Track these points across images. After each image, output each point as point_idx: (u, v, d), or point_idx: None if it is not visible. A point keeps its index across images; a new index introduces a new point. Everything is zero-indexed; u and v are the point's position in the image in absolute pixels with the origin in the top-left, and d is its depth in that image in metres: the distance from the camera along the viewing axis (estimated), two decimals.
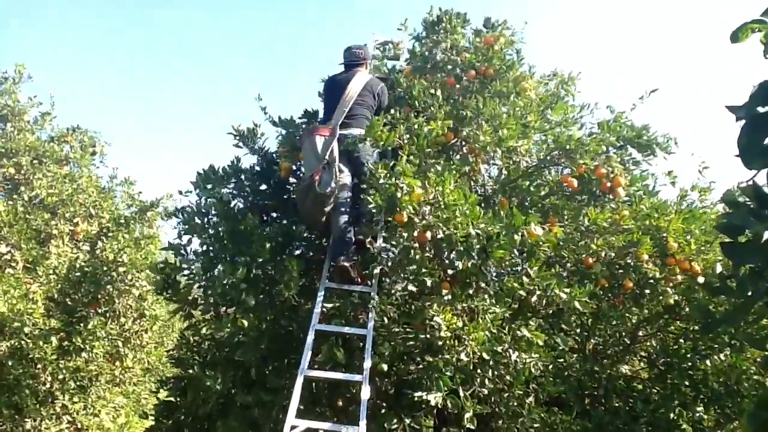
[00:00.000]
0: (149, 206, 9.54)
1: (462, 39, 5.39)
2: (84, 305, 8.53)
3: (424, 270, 4.15)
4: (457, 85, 5.13)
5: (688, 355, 4.98)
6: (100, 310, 8.63)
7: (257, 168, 5.48)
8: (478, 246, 3.93)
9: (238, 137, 5.46)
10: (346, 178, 4.72)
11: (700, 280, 4.62)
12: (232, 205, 5.19)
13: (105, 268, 8.38)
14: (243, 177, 5.40)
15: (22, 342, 7.42)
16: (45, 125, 9.50)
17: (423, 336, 4.13)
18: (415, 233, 4.04)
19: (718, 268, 4.68)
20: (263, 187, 5.42)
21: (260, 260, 4.28)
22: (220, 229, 4.54)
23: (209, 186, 5.10)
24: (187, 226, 4.68)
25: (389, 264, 4.55)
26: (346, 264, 4.43)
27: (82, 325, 8.35)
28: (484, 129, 4.60)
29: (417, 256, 4.18)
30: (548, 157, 5.31)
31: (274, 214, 5.35)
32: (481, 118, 4.71)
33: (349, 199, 4.70)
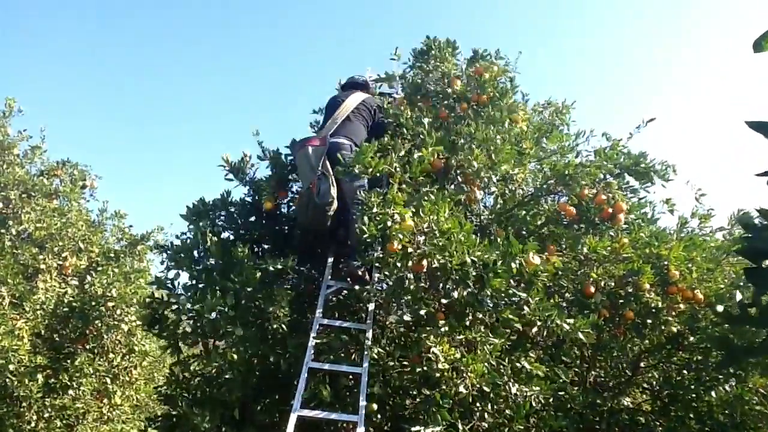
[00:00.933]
0: (140, 239, 9.38)
1: (453, 68, 5.33)
2: (72, 341, 8.31)
3: (418, 300, 4.02)
4: (451, 115, 5.06)
5: (692, 387, 4.83)
6: (88, 346, 8.41)
7: (248, 199, 5.37)
8: (474, 274, 3.81)
9: (228, 169, 5.34)
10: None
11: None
12: (222, 237, 5.09)
13: (93, 303, 8.19)
14: (233, 209, 5.30)
15: (7, 380, 7.18)
16: (35, 159, 9.37)
17: (420, 369, 3.97)
18: (410, 263, 3.92)
19: (721, 296, 4.61)
20: (253, 218, 5.31)
21: (249, 290, 4.14)
22: (209, 261, 4.40)
23: (199, 219, 4.99)
24: (173, 261, 4.54)
25: (383, 295, 4.42)
26: (358, 272, 4.47)
27: (69, 361, 8.13)
28: (475, 153, 4.50)
29: (411, 286, 4.06)
30: (545, 186, 5.23)
31: (265, 246, 5.22)
32: (473, 143, 4.61)
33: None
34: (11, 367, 7.16)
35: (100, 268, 8.75)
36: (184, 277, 4.66)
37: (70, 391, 7.97)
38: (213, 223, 5.21)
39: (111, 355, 8.64)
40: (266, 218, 5.26)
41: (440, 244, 3.85)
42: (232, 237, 5.15)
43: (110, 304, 8.15)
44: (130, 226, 9.78)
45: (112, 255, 9.00)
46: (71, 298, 8.27)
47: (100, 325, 8.28)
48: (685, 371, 5.03)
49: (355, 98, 5.13)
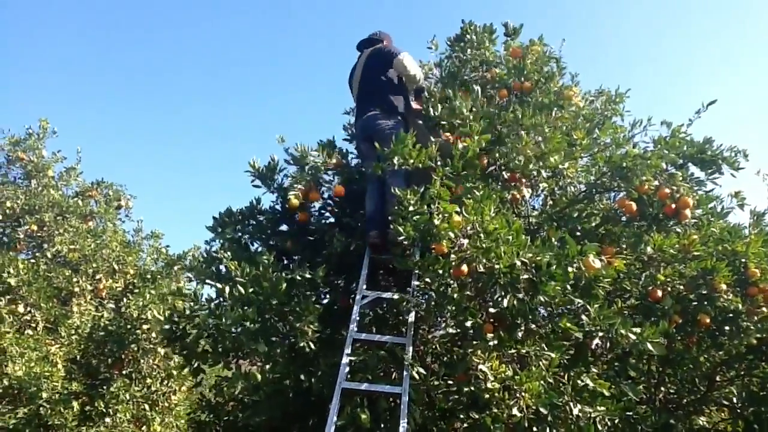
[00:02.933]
0: (176, 259, 9.15)
1: (491, 54, 4.89)
2: (108, 366, 8.09)
3: (463, 310, 3.55)
4: (492, 104, 4.61)
5: None
6: (124, 372, 8.18)
7: (277, 207, 5.01)
8: (525, 279, 3.33)
9: (255, 175, 4.97)
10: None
11: None
12: (250, 247, 4.75)
13: (129, 327, 7.95)
14: (262, 218, 4.95)
15: (41, 408, 6.96)
16: (71, 181, 9.27)
17: (467, 389, 3.50)
18: (450, 268, 3.48)
19: None
20: (283, 227, 4.93)
21: (275, 302, 3.74)
22: (234, 272, 4.02)
23: (226, 229, 4.65)
24: (196, 273, 4.20)
25: (424, 307, 3.96)
26: (378, 240, 4.24)
27: (105, 387, 7.91)
28: (525, 140, 4.02)
29: (455, 295, 3.60)
30: (599, 182, 4.72)
31: (296, 257, 4.83)
32: (520, 129, 4.13)
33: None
34: (44, 394, 6.93)
35: (136, 290, 8.55)
36: (212, 291, 4.33)
37: (107, 419, 7.73)
38: (242, 232, 4.88)
39: (148, 381, 8.40)
40: (298, 227, 4.87)
41: (485, 245, 3.39)
42: (260, 248, 4.79)
43: (146, 326, 7.89)
44: (167, 246, 9.59)
45: (149, 276, 8.80)
46: (107, 322, 8.07)
47: (136, 349, 8.05)
48: None
49: (366, 55, 4.92)
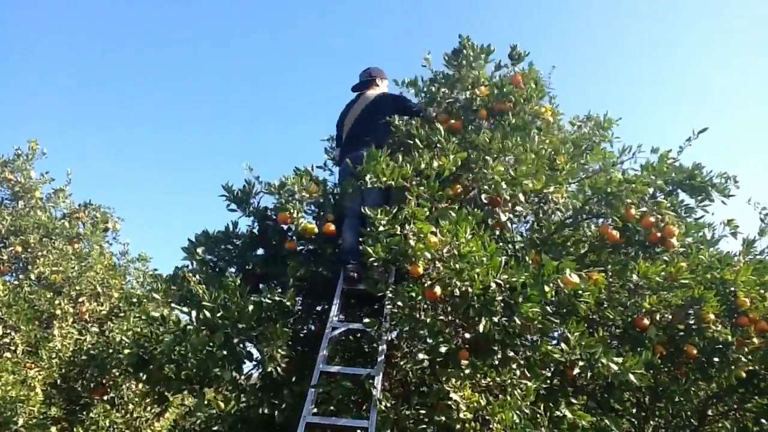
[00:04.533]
0: (164, 282, 8.97)
1: (482, 75, 4.81)
2: (89, 391, 7.88)
3: (436, 335, 3.40)
4: (470, 127, 4.51)
5: None
6: (106, 397, 7.96)
7: (254, 231, 4.87)
8: (500, 300, 3.19)
9: (230, 199, 4.84)
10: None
11: None
12: (225, 271, 4.61)
13: (111, 351, 7.75)
14: (238, 242, 4.81)
15: None
16: (59, 202, 9.16)
17: (438, 418, 3.33)
18: (423, 291, 3.34)
19: None
20: (260, 251, 4.79)
21: (242, 327, 3.58)
22: (201, 295, 3.87)
23: (197, 251, 4.52)
24: (164, 296, 4.07)
25: (396, 333, 3.80)
26: (354, 273, 4.12)
27: (85, 413, 7.69)
28: (491, 166, 3.89)
29: (428, 319, 3.45)
30: (586, 207, 4.59)
31: (273, 283, 4.68)
32: (489, 153, 4.01)
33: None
34: (20, 420, 6.73)
35: (121, 314, 8.38)
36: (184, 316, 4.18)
37: None
38: (218, 256, 4.75)
39: (130, 406, 8.17)
40: (273, 253, 4.72)
41: (458, 267, 3.25)
42: (235, 272, 4.65)
43: (127, 351, 7.69)
44: (155, 269, 9.43)
45: (134, 300, 8.62)
46: (89, 346, 7.88)
47: (118, 374, 7.85)
48: (764, 420, 4.23)
49: (365, 99, 4.90)
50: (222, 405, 3.52)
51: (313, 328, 4.60)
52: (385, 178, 3.59)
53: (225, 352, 3.59)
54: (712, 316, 3.88)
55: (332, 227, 4.37)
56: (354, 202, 4.33)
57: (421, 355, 3.52)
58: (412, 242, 3.35)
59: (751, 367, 4.03)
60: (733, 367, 4.03)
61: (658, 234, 4.22)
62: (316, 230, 4.23)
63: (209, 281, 4.05)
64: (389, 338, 3.85)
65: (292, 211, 4.23)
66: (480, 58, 4.88)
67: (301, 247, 4.75)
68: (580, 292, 3.40)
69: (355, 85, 5.18)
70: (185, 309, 3.87)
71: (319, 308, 4.81)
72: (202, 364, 3.54)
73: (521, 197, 4.09)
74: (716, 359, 4.06)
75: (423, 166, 3.72)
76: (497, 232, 4.47)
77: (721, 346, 4.00)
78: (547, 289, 3.24)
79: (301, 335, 4.53)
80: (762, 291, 3.98)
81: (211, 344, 3.55)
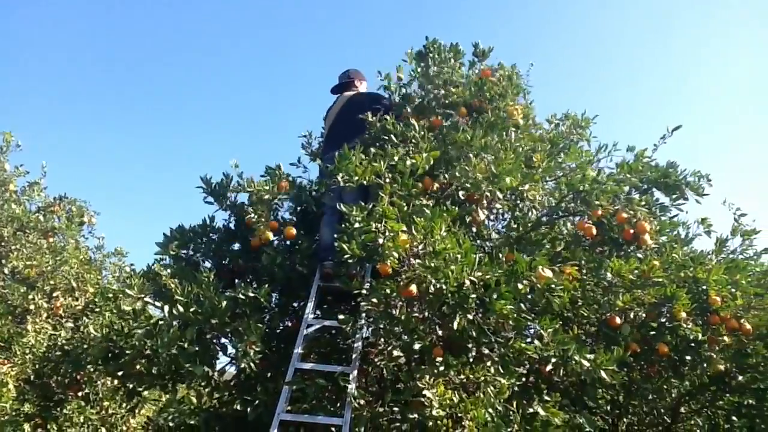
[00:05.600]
0: (140, 277, 8.88)
1: (456, 74, 4.79)
2: (63, 387, 7.78)
3: (411, 332, 3.39)
4: (446, 123, 4.50)
5: None
6: (80, 393, 7.87)
7: (231, 226, 4.83)
8: (474, 297, 3.18)
9: (208, 192, 4.79)
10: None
11: None
12: (201, 266, 4.56)
13: (86, 346, 7.66)
14: (215, 236, 4.76)
15: None
16: (34, 196, 9.01)
17: (412, 416, 3.32)
18: (398, 288, 3.33)
19: None
20: (236, 246, 4.75)
21: (215, 322, 3.55)
22: (174, 290, 3.83)
23: (170, 246, 4.48)
24: (137, 291, 4.02)
25: (372, 330, 3.79)
26: (331, 270, 4.15)
27: (59, 409, 7.59)
28: (473, 163, 3.89)
29: (403, 316, 3.44)
30: (562, 205, 4.61)
31: (249, 278, 4.65)
32: (471, 151, 4.00)
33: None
34: None
35: (96, 309, 8.28)
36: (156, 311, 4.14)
37: None
38: (194, 251, 4.70)
39: (105, 403, 8.08)
40: (249, 247, 4.69)
41: (433, 265, 3.24)
42: (211, 266, 4.61)
43: (96, 345, 7.60)
44: (132, 264, 9.31)
45: (110, 295, 8.51)
46: (64, 341, 7.77)
47: (92, 370, 7.75)
48: (735, 418, 4.28)
49: (343, 99, 5.02)
50: (194, 401, 3.48)
51: (289, 324, 4.56)
52: (357, 177, 3.57)
53: (197, 348, 3.56)
54: (684, 314, 3.91)
55: (293, 231, 4.41)
56: (332, 199, 4.34)
57: (396, 353, 3.51)
58: (381, 240, 3.33)
59: (722, 365, 4.07)
60: (705, 364, 4.07)
61: (631, 231, 4.24)
62: (271, 237, 4.29)
63: (184, 276, 4.01)
64: (365, 335, 3.85)
65: (252, 215, 4.29)
66: (449, 58, 4.87)
67: (276, 242, 4.75)
68: (553, 286, 3.41)
69: (333, 87, 5.28)
70: (158, 303, 3.83)
71: (295, 305, 4.78)
72: (173, 359, 3.50)
73: (499, 195, 4.09)
74: (688, 357, 4.10)
75: (396, 160, 3.71)
76: (474, 230, 4.48)
77: (693, 344, 4.04)
78: (520, 286, 3.24)
79: (278, 332, 4.49)
80: (733, 290, 4.02)
81: (182, 339, 3.51)
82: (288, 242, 4.67)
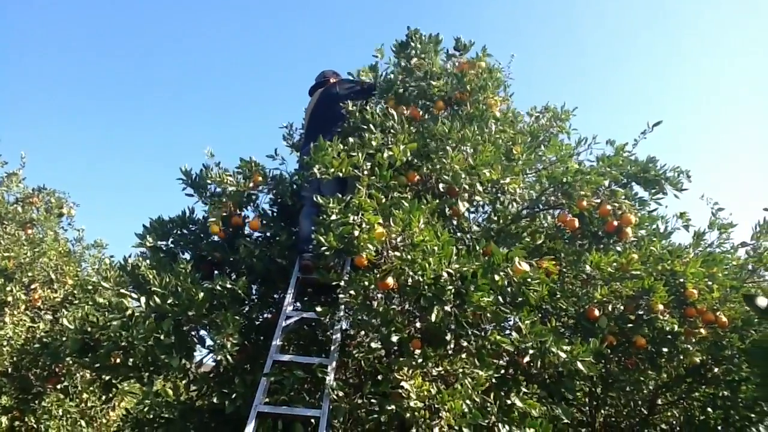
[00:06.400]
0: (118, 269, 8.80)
1: (436, 66, 4.78)
2: (42, 380, 7.70)
3: (389, 324, 3.39)
4: (425, 116, 4.49)
5: (720, 428, 4.14)
6: (59, 386, 7.79)
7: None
8: (451, 289, 3.18)
9: (187, 183, 4.75)
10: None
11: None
12: (179, 257, 4.52)
13: (64, 338, 7.58)
14: (194, 227, 4.73)
15: None
16: (12, 186, 8.88)
17: (389, 408, 3.32)
18: (376, 281, 3.32)
19: (749, 320, 3.96)
20: (215, 238, 4.72)
21: (192, 314, 3.52)
22: (152, 281, 3.79)
23: (148, 237, 4.44)
24: (114, 282, 3.98)
25: (350, 321, 3.78)
26: (310, 262, 4.12)
27: (37, 402, 7.51)
28: (451, 156, 3.88)
29: (381, 308, 3.44)
30: (542, 197, 4.62)
31: (227, 269, 4.62)
32: (449, 144, 4.00)
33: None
34: None
35: (76, 301, 8.19)
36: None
37: None
38: (174, 242, 4.67)
39: (84, 396, 8.02)
40: (228, 239, 4.66)
41: (410, 257, 3.24)
42: (190, 258, 4.57)
43: (71, 336, 7.52)
44: (111, 256, 9.22)
45: (90, 287, 8.43)
46: (42, 334, 7.69)
47: (71, 362, 7.68)
48: (710, 409, 4.33)
49: (317, 94, 5.06)
50: (171, 393, 3.45)
51: (268, 316, 4.54)
52: (333, 169, 3.55)
53: (174, 340, 3.53)
54: (661, 307, 3.94)
55: (256, 223, 4.55)
56: (311, 191, 4.32)
57: (374, 345, 3.51)
58: (356, 233, 3.33)
59: (698, 357, 4.11)
60: (681, 356, 4.11)
61: (615, 223, 4.26)
62: (217, 230, 4.43)
63: (161, 267, 3.97)
64: (343, 327, 3.84)
65: (211, 209, 4.43)
66: (430, 49, 4.86)
67: (258, 235, 4.75)
68: (529, 280, 3.41)
69: (311, 88, 5.31)
70: (134, 295, 3.80)
71: (275, 296, 4.76)
72: (149, 351, 3.47)
73: (479, 187, 4.08)
74: (665, 349, 4.12)
75: (373, 151, 3.70)
76: (455, 222, 4.48)
77: (669, 336, 4.07)
78: (497, 278, 3.25)
79: (257, 324, 4.47)
80: (710, 283, 4.05)
81: (159, 331, 3.48)
82: (268, 234, 4.66)
